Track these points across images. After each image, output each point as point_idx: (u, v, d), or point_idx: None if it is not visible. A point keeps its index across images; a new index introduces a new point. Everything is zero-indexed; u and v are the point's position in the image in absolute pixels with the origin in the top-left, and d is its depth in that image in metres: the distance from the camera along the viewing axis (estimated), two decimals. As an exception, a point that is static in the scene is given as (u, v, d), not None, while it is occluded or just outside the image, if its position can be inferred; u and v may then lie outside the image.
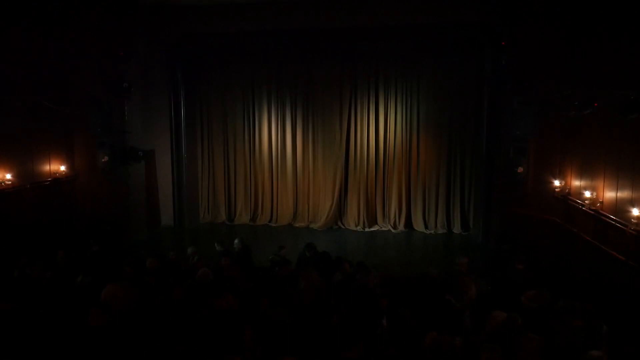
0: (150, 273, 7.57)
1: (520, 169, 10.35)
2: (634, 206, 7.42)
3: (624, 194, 7.87)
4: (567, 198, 9.76)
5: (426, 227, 13.87)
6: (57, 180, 11.28)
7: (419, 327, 5.63)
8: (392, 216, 14.07)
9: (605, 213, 8.27)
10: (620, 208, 7.90)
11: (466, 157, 13.58)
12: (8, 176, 9.73)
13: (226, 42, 13.31)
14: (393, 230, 13.88)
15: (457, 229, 13.71)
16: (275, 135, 14.54)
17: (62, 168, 11.48)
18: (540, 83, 10.20)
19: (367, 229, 13.99)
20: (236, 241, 9.69)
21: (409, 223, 14.01)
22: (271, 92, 14.43)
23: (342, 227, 14.21)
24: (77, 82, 11.57)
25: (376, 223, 14.18)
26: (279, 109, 14.45)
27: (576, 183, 9.62)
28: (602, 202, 8.48)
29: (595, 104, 8.26)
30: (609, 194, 8.31)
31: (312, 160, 14.38)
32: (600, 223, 8.40)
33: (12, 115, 9.95)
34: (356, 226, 14.13)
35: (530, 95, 10.19)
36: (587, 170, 9.20)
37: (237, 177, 14.81)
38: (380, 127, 13.98)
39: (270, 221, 14.62)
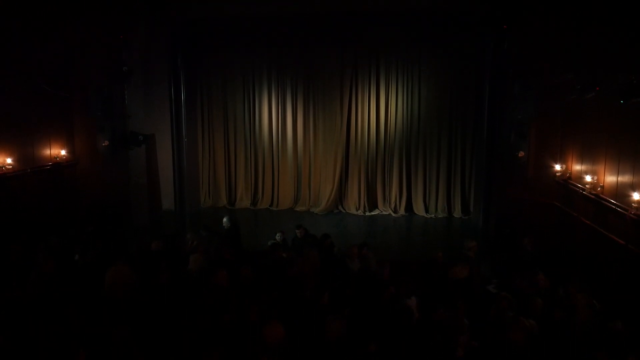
0: (153, 256, 7.60)
1: (521, 153, 10.32)
2: (634, 190, 7.43)
3: (624, 178, 7.87)
4: (567, 182, 9.78)
5: (427, 211, 13.92)
6: (57, 164, 11.27)
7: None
8: (392, 200, 14.10)
9: (605, 197, 8.29)
10: (620, 192, 7.91)
11: (467, 142, 13.58)
12: (9, 160, 9.72)
13: (226, 27, 13.23)
14: (394, 214, 13.92)
15: (457, 213, 13.76)
16: (275, 120, 14.52)
17: (63, 152, 11.47)
18: (541, 67, 10.15)
19: (367, 213, 14.04)
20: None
21: (409, 207, 14.06)
22: (271, 77, 14.38)
23: (343, 211, 14.26)
24: (78, 67, 11.52)
25: (377, 207, 14.23)
26: (279, 93, 14.41)
27: (577, 167, 9.62)
28: (602, 187, 8.49)
29: (597, 88, 8.23)
30: (610, 178, 8.31)
31: (312, 144, 14.37)
32: (601, 207, 8.42)
33: (12, 99, 9.92)
34: (357, 210, 14.17)
35: (531, 80, 10.14)
36: (588, 154, 9.19)
37: (238, 162, 14.82)
38: (381, 112, 13.96)
39: (271, 205, 14.67)
